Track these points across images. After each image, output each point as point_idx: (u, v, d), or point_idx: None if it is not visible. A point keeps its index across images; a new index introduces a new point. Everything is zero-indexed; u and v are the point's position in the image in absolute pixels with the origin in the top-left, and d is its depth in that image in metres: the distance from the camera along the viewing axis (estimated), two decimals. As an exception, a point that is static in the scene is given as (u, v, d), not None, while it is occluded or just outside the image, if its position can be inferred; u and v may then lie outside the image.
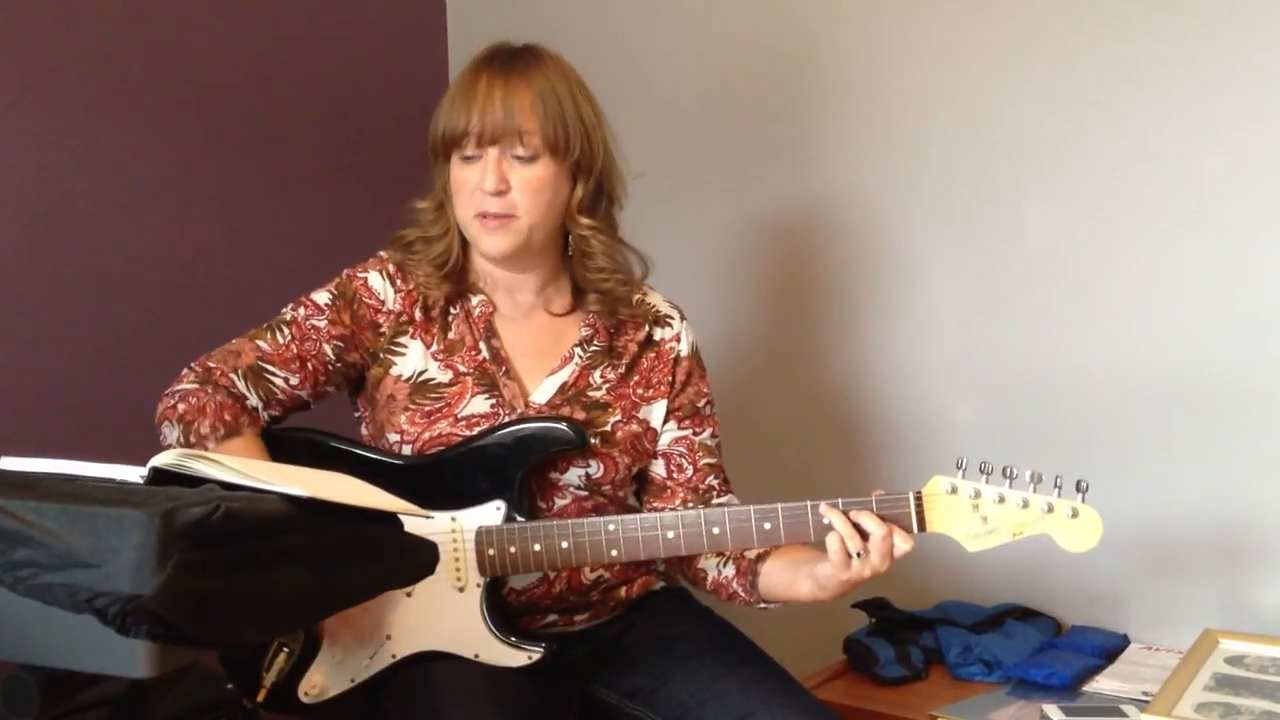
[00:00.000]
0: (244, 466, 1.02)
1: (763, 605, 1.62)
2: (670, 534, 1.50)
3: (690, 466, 1.68)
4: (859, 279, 2.26)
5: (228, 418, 1.55)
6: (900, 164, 2.19)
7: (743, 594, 1.62)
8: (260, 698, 1.51)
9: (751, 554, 1.60)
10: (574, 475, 1.60)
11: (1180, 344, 1.93)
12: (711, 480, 1.69)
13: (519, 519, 1.53)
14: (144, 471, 1.02)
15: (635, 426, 1.65)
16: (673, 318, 1.72)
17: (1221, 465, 1.90)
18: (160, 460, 1.02)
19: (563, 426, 1.55)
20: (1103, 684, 1.79)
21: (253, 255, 2.39)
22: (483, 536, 1.52)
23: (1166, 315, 1.94)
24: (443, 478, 1.56)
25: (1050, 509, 1.43)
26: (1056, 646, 1.93)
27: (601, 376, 1.65)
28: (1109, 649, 1.92)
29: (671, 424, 1.68)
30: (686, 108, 2.46)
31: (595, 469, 1.60)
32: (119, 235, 2.22)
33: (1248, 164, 1.85)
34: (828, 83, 2.26)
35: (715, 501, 1.67)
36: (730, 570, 1.63)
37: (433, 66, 2.68)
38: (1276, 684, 1.65)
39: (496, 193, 1.54)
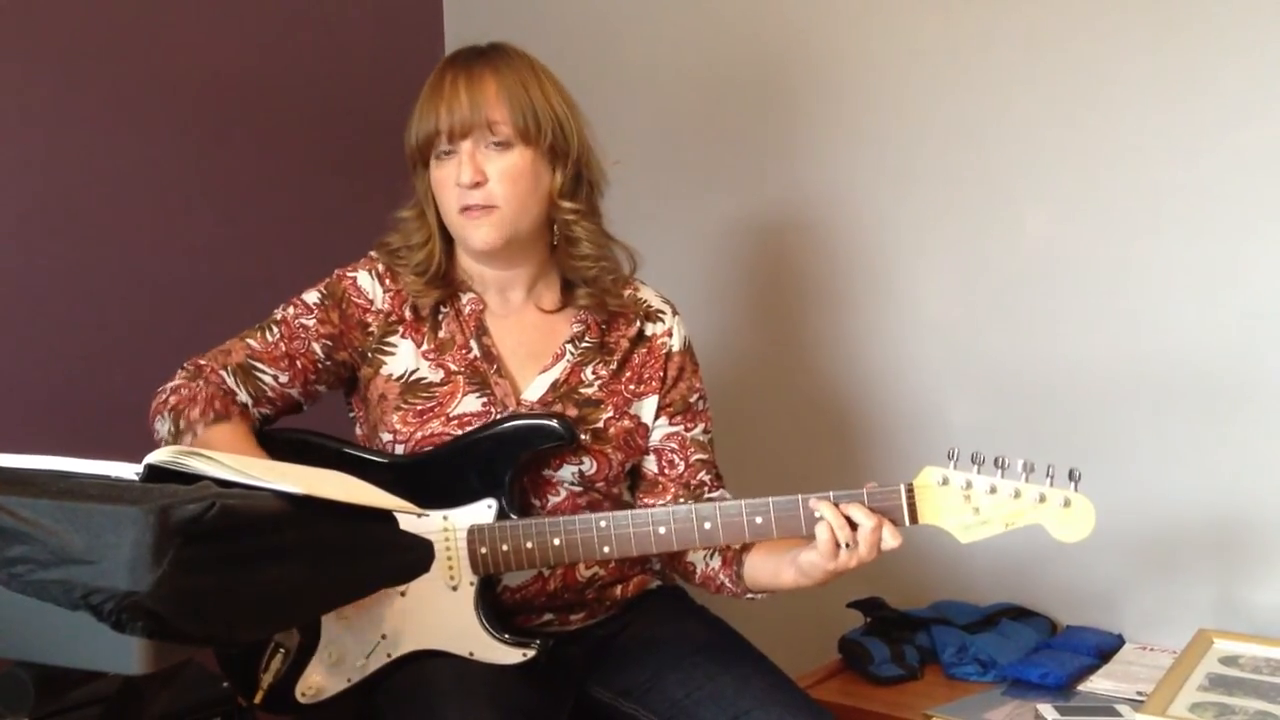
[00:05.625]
0: (239, 464, 1.02)
1: (750, 596, 1.63)
2: (662, 529, 1.50)
3: (682, 462, 1.68)
4: (853, 277, 2.26)
5: (218, 405, 1.56)
6: (894, 162, 2.19)
7: (730, 585, 1.63)
8: (257, 699, 1.51)
9: (737, 545, 1.61)
10: (568, 472, 1.60)
11: (1175, 343, 1.93)
12: (703, 475, 1.69)
13: (511, 516, 1.53)
14: (139, 468, 1.02)
15: (627, 422, 1.65)
16: (664, 313, 1.72)
17: (1216, 465, 1.91)
18: (155, 457, 1.02)
19: (552, 423, 1.55)
20: (1097, 684, 1.80)
21: (248, 254, 2.39)
22: (475, 534, 1.52)
23: (1160, 315, 1.95)
24: (434, 476, 1.56)
25: (1042, 499, 1.43)
26: (1051, 646, 1.93)
27: (593, 373, 1.65)
28: (1104, 649, 1.92)
29: (663, 419, 1.68)
30: (680, 107, 2.46)
31: (589, 466, 1.60)
32: (112, 233, 2.22)
33: (1242, 163, 1.86)
34: (821, 81, 2.26)
35: (707, 497, 1.68)
36: (717, 562, 1.64)
37: (429, 65, 2.66)
38: (1270, 684, 1.65)
39: (474, 184, 1.54)
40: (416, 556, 1.16)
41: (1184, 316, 1.92)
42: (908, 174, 2.17)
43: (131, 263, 2.24)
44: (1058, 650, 1.91)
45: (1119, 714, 1.68)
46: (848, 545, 1.43)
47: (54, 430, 2.09)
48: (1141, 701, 1.64)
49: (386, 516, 1.14)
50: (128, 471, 1.02)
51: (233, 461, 1.02)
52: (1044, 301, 2.05)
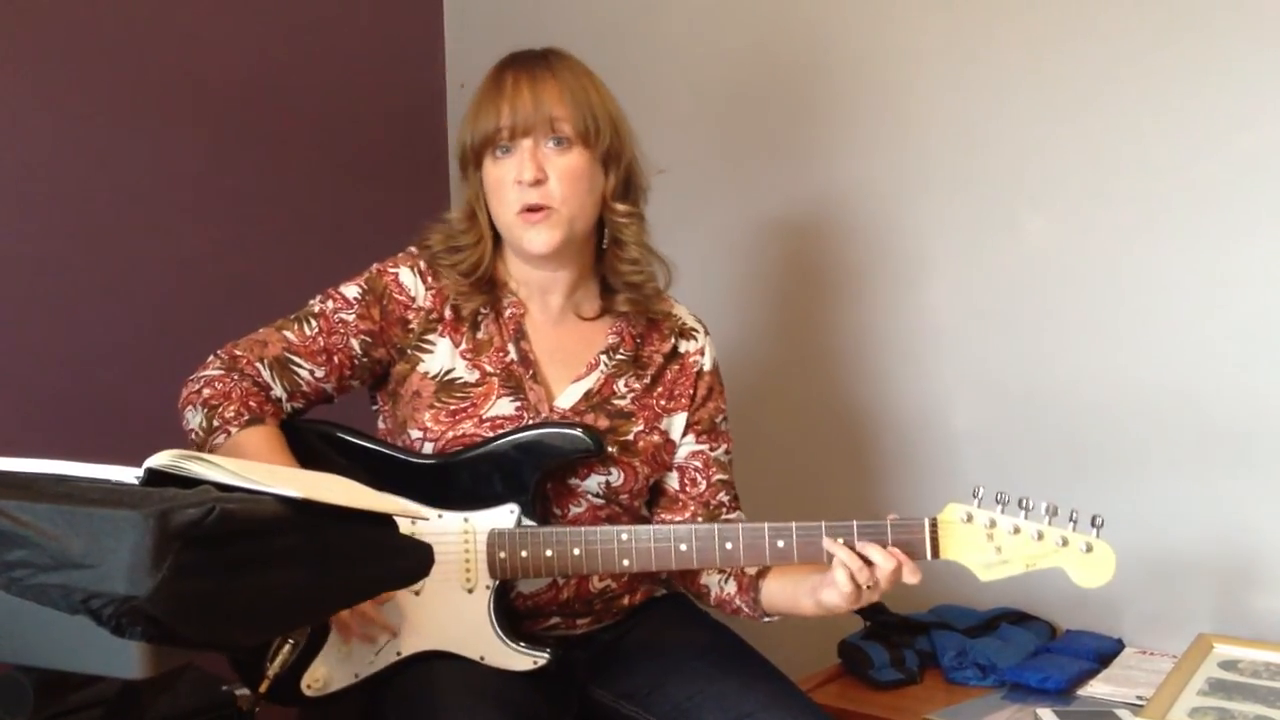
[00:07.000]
0: (239, 468, 1.02)
1: (767, 619, 1.63)
2: (683, 546, 1.50)
3: (704, 481, 1.68)
4: (865, 285, 2.26)
5: (252, 404, 1.55)
6: (905, 168, 2.18)
7: (747, 610, 1.63)
8: (262, 688, 1.51)
9: (752, 570, 1.61)
10: (594, 483, 1.59)
11: (1177, 352, 1.93)
12: (722, 496, 1.69)
13: (532, 523, 1.53)
14: (139, 472, 1.02)
15: (656, 437, 1.65)
16: (697, 331, 1.72)
17: (1216, 470, 1.90)
18: (156, 461, 1.02)
19: (580, 433, 1.54)
20: (1097, 688, 1.79)
21: (251, 256, 2.39)
22: (495, 539, 1.52)
23: (1164, 323, 1.94)
24: (458, 478, 1.55)
25: (1065, 542, 1.43)
26: (1051, 650, 1.94)
27: (626, 385, 1.65)
28: (1104, 653, 1.92)
29: (690, 437, 1.68)
30: (690, 114, 2.45)
31: (615, 477, 1.60)
32: (119, 235, 2.22)
33: (1248, 170, 1.85)
34: (831, 88, 2.26)
35: (724, 518, 1.68)
36: (732, 587, 1.64)
37: (430, 66, 2.68)
38: (1270, 689, 1.65)
39: (535, 182, 1.54)
40: (415, 561, 1.16)
41: (1187, 325, 1.92)
42: (918, 182, 2.16)
43: (135, 266, 2.24)
44: (1057, 654, 1.91)
45: (1119, 718, 1.68)
46: (868, 586, 1.44)
47: (55, 433, 2.09)
48: (1141, 706, 1.63)
49: (385, 520, 1.14)
50: (128, 475, 1.02)
51: (232, 465, 1.02)
52: (1058, 314, 2.04)
